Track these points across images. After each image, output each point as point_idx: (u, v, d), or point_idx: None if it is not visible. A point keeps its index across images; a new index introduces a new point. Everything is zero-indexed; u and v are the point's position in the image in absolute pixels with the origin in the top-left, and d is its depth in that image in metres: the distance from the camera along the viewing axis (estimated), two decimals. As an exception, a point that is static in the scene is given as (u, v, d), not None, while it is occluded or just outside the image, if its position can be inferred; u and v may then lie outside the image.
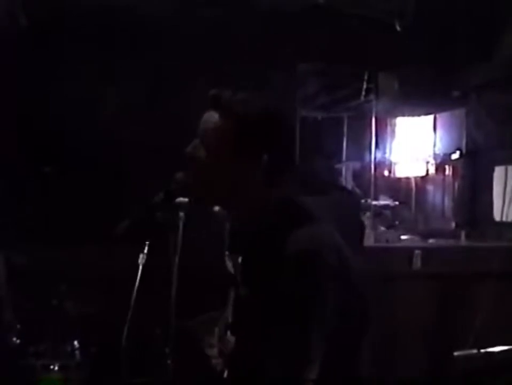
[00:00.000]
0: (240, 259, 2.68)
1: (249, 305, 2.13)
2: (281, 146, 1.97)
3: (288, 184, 2.00)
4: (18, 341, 3.79)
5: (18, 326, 3.82)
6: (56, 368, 3.76)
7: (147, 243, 3.15)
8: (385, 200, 7.39)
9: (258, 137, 1.92)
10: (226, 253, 4.03)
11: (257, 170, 1.93)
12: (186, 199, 3.36)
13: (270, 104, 1.99)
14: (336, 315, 1.84)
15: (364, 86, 6.80)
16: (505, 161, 6.41)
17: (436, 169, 7.57)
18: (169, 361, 3.24)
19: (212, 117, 1.99)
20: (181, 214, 3.22)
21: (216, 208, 3.32)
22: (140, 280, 3.13)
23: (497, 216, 6.39)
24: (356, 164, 7.78)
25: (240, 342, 2.43)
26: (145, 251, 3.15)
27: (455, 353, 4.12)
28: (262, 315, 1.98)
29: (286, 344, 1.84)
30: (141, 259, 3.15)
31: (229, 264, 4.02)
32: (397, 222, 7.06)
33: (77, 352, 3.88)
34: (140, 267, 3.12)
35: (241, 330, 2.31)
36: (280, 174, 1.97)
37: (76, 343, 3.89)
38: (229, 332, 3.12)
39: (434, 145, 7.61)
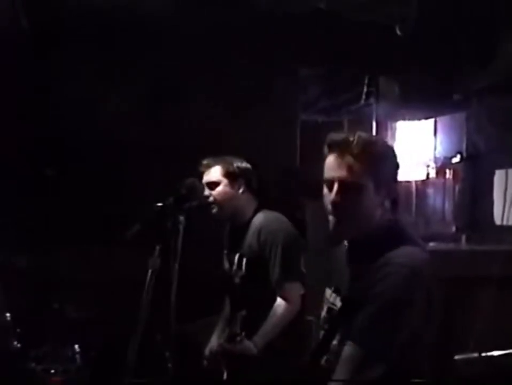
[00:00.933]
0: (245, 261, 2.96)
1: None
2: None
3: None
4: (18, 345, 3.79)
5: (18, 330, 3.82)
6: (56, 372, 3.76)
7: (157, 247, 3.16)
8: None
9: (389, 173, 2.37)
10: (225, 252, 4.05)
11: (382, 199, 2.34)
12: (194, 203, 3.39)
13: (381, 145, 2.41)
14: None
15: (365, 90, 6.80)
16: (505, 165, 6.41)
17: (437, 173, 7.57)
18: (169, 365, 3.24)
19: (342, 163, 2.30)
20: (181, 218, 3.22)
21: (215, 210, 3.39)
22: (146, 285, 3.13)
23: (497, 220, 6.38)
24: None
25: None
26: (156, 255, 3.15)
27: (455, 357, 4.11)
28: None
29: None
30: (152, 263, 3.15)
31: (226, 263, 4.04)
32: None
33: (77, 356, 3.89)
34: (150, 272, 3.12)
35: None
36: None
37: (76, 346, 3.90)
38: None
39: (435, 149, 7.61)
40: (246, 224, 3.80)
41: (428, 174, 7.67)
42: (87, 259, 4.58)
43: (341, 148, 2.30)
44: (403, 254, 2.24)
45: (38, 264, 4.37)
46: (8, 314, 3.86)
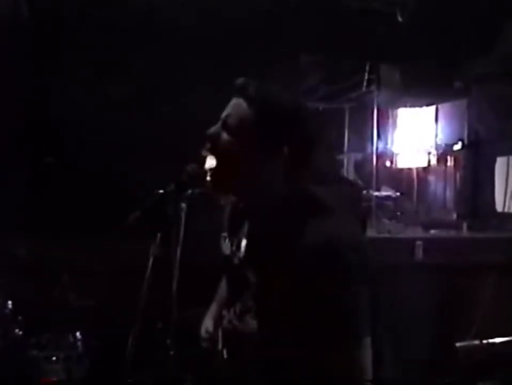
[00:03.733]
0: (244, 243, 2.72)
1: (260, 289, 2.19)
2: (302, 140, 1.99)
3: (305, 176, 2.01)
4: (20, 332, 3.80)
5: (20, 317, 3.83)
6: (58, 359, 3.77)
7: (158, 234, 3.15)
8: (386, 191, 7.38)
9: (281, 128, 1.96)
10: (224, 234, 4.03)
11: (276, 160, 1.96)
12: (197, 190, 3.37)
13: (295, 97, 2.06)
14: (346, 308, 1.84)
15: (366, 77, 6.79)
16: (507, 152, 6.41)
17: (438, 160, 7.57)
18: (171, 352, 3.25)
19: (238, 104, 2.03)
20: (183, 204, 3.22)
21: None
22: (147, 272, 3.13)
23: (499, 207, 6.39)
24: (358, 156, 7.78)
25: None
26: (157, 242, 3.14)
27: (457, 344, 4.12)
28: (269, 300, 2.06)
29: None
30: (153, 250, 3.14)
31: (224, 245, 4.02)
32: (399, 213, 7.05)
33: (79, 343, 3.89)
34: (151, 259, 3.12)
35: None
36: (299, 167, 1.99)
37: (78, 334, 3.90)
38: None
39: (436, 136, 7.60)
40: None
41: (429, 161, 7.66)
42: (89, 247, 4.58)
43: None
44: (313, 230, 1.90)
45: (40, 252, 4.37)
46: (9, 302, 3.86)
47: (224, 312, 3.90)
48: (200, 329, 3.85)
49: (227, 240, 3.93)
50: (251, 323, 3.54)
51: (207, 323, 3.87)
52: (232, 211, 3.70)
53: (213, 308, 3.99)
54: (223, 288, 4.01)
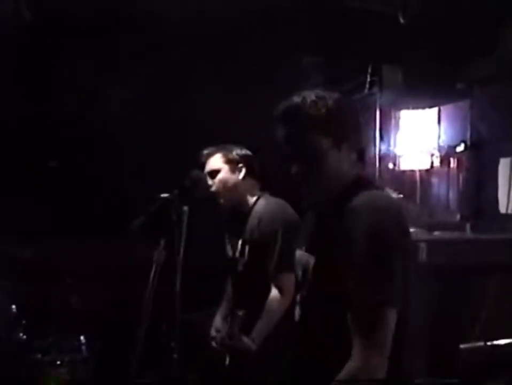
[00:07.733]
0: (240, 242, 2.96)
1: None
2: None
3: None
4: (24, 337, 3.80)
5: (24, 322, 3.83)
6: (62, 363, 3.77)
7: (162, 241, 3.16)
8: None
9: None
10: (227, 238, 4.05)
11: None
12: (199, 195, 3.39)
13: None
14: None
15: (368, 79, 6.78)
16: (510, 153, 6.39)
17: (441, 162, 7.54)
18: (175, 355, 3.25)
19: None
20: (185, 208, 3.23)
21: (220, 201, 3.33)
22: (150, 276, 3.14)
23: (502, 208, 6.37)
24: (361, 157, 7.76)
25: None
26: (161, 248, 3.16)
27: (461, 346, 4.11)
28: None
29: None
30: (157, 256, 3.15)
31: (229, 250, 4.06)
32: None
33: (83, 347, 3.89)
34: (155, 265, 3.13)
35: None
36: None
37: (82, 338, 3.90)
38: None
39: (439, 138, 7.58)
40: (249, 210, 3.82)
41: (432, 163, 7.64)
42: (92, 250, 4.59)
43: (286, 118, 2.29)
44: (365, 197, 2.14)
45: (43, 256, 4.38)
46: (13, 306, 3.86)
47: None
48: (210, 329, 3.87)
49: (229, 244, 3.94)
50: (247, 342, 3.57)
51: (217, 322, 3.89)
52: (233, 215, 3.73)
53: (223, 307, 4.01)
54: (229, 289, 4.03)
